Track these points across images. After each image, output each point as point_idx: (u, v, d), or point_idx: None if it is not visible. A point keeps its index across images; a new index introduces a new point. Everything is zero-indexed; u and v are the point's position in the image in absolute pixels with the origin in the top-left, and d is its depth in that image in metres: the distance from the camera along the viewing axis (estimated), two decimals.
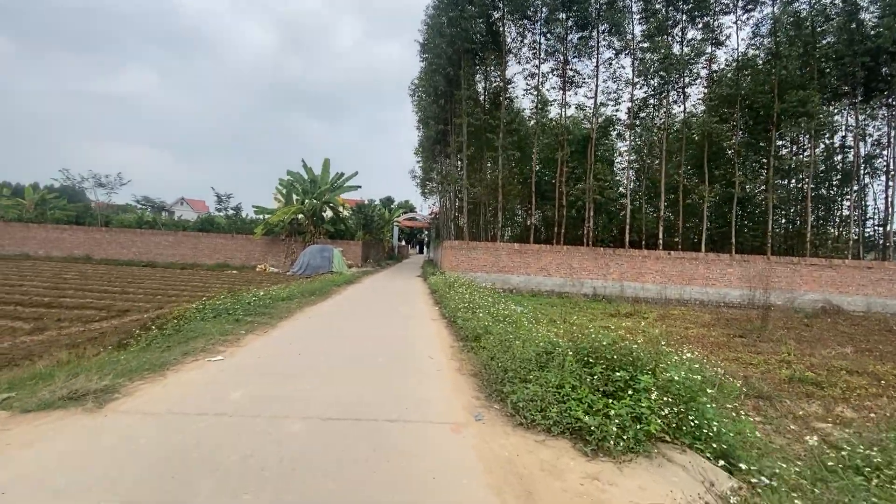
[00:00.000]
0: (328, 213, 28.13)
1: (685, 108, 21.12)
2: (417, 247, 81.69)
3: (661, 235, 20.02)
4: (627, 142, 23.54)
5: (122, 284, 14.37)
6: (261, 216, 27.06)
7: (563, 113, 20.96)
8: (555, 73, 20.84)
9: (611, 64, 20.30)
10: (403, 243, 66.84)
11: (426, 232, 66.23)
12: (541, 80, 20.80)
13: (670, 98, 20.26)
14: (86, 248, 25.42)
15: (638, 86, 20.11)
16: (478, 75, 22.40)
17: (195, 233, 26.60)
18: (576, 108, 22.40)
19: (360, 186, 27.28)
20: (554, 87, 21.76)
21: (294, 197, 26.33)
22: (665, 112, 20.40)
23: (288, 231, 25.59)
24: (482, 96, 22.31)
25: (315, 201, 25.46)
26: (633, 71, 19.77)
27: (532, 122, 23.03)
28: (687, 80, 20.20)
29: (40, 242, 25.70)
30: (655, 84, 20.06)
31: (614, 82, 20.71)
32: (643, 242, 20.97)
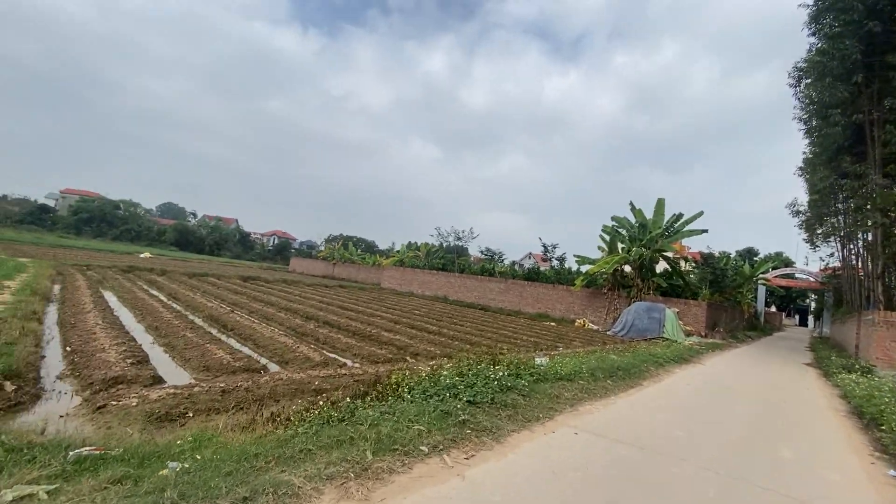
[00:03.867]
0: (661, 265, 23.22)
1: None
2: (796, 316, 60.35)
3: None
4: None
5: (445, 323, 15.28)
6: (582, 266, 25.21)
7: None
8: None
9: None
10: (773, 309, 50.18)
11: (813, 296, 47.27)
12: None
13: None
14: (444, 290, 30.80)
15: None
16: None
17: (521, 281, 27.57)
18: None
19: (705, 231, 21.11)
20: None
21: (619, 245, 23.12)
22: None
23: (610, 284, 22.48)
24: None
25: (643, 249, 21.36)
26: None
27: None
28: None
29: (420, 283, 33.17)
30: None
31: None
32: None
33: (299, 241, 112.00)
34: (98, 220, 74.38)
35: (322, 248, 63.05)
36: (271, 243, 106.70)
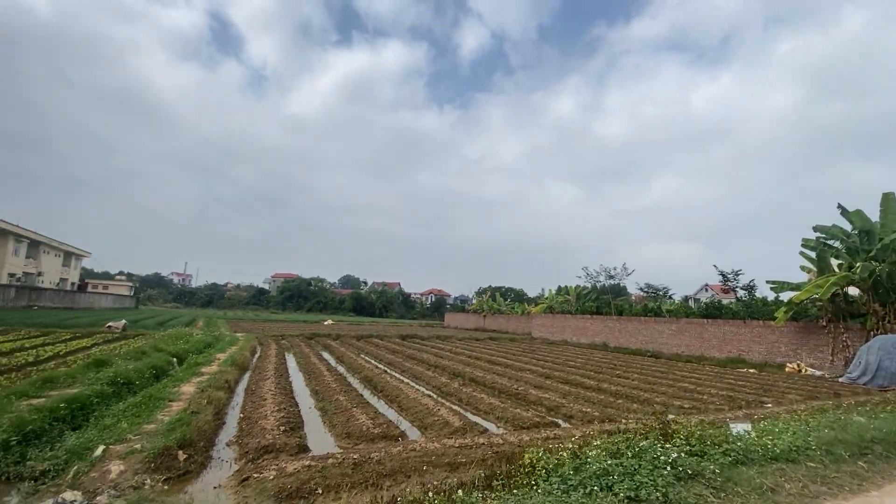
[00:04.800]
0: None
1: None
2: None
3: None
4: None
5: (605, 376, 13.33)
6: (781, 294, 20.01)
7: None
8: None
9: None
10: None
11: None
12: None
13: None
14: (603, 336, 27.79)
15: None
16: None
17: (699, 320, 23.17)
18: None
19: None
20: None
21: (832, 261, 17.78)
22: None
23: (830, 313, 17.17)
24: None
25: (876, 263, 15.91)
26: None
27: None
28: None
29: (573, 330, 30.74)
30: None
31: None
32: None
33: (453, 296, 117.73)
34: (297, 295, 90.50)
35: (473, 302, 64.62)
36: (429, 301, 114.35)
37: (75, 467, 4.09)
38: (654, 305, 28.16)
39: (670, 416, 6.73)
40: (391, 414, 7.86)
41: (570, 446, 4.22)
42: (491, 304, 54.46)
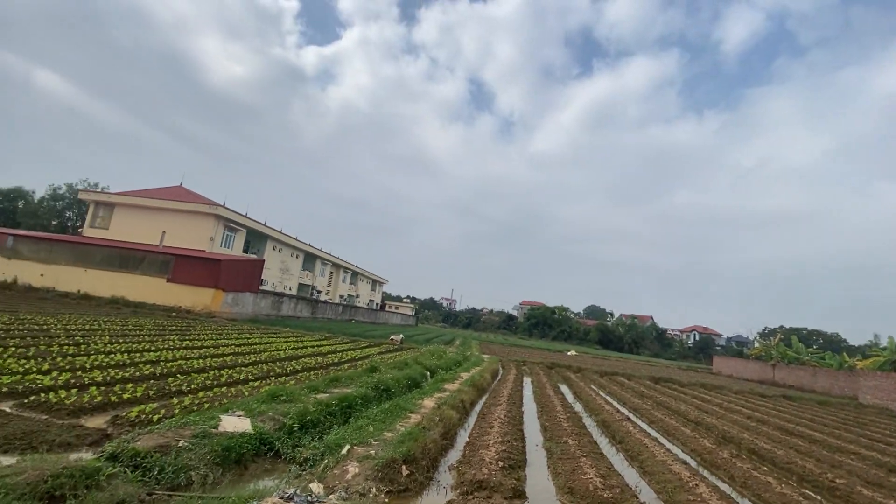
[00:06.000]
0: None
1: None
2: None
3: None
4: None
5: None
6: None
7: None
8: None
9: None
10: None
11: None
12: None
13: None
14: None
15: None
16: None
17: None
18: None
19: None
20: None
21: None
22: None
23: None
24: None
25: None
26: None
27: None
28: None
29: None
30: None
31: None
32: None
33: (725, 336, 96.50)
34: (542, 323, 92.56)
35: (755, 345, 51.03)
36: (691, 340, 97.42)
37: (325, 461, 4.77)
38: None
39: None
40: (629, 475, 6.46)
41: None
42: (783, 350, 41.76)
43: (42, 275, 26.61)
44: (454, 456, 6.38)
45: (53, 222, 49.89)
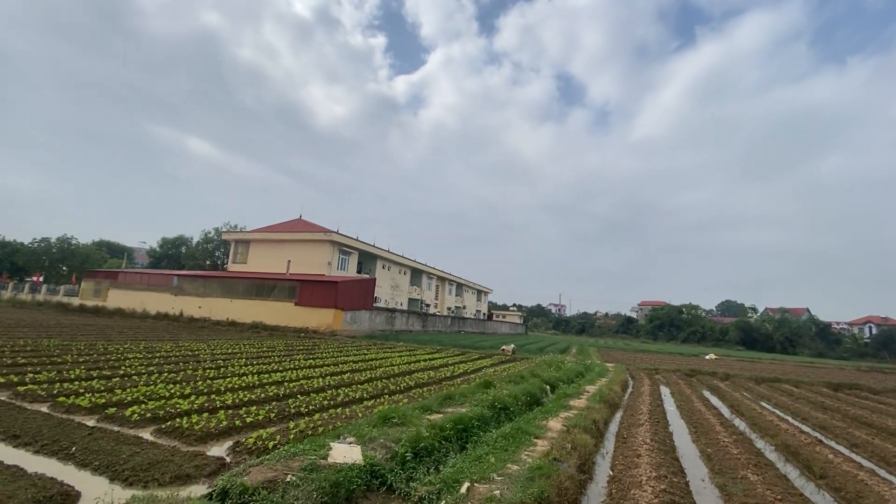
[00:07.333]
0: None
1: None
2: None
3: None
4: None
5: None
6: None
7: None
8: None
9: None
10: None
11: None
12: None
13: None
14: None
15: None
16: None
17: None
18: None
19: None
20: None
21: None
22: None
23: None
24: None
25: None
26: None
27: None
28: None
29: None
30: None
31: None
32: None
33: None
34: (667, 325, 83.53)
35: None
36: (866, 334, 79.42)
37: (443, 502, 4.01)
38: None
39: None
40: None
41: None
42: None
43: (200, 307, 31.10)
44: (597, 496, 5.18)
45: (207, 262, 59.01)
